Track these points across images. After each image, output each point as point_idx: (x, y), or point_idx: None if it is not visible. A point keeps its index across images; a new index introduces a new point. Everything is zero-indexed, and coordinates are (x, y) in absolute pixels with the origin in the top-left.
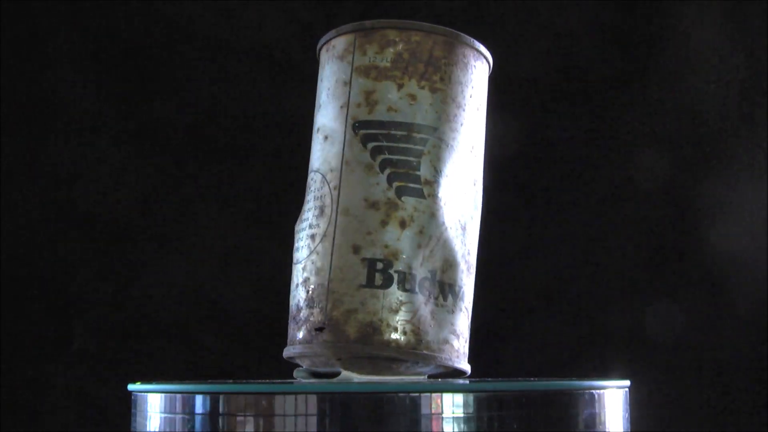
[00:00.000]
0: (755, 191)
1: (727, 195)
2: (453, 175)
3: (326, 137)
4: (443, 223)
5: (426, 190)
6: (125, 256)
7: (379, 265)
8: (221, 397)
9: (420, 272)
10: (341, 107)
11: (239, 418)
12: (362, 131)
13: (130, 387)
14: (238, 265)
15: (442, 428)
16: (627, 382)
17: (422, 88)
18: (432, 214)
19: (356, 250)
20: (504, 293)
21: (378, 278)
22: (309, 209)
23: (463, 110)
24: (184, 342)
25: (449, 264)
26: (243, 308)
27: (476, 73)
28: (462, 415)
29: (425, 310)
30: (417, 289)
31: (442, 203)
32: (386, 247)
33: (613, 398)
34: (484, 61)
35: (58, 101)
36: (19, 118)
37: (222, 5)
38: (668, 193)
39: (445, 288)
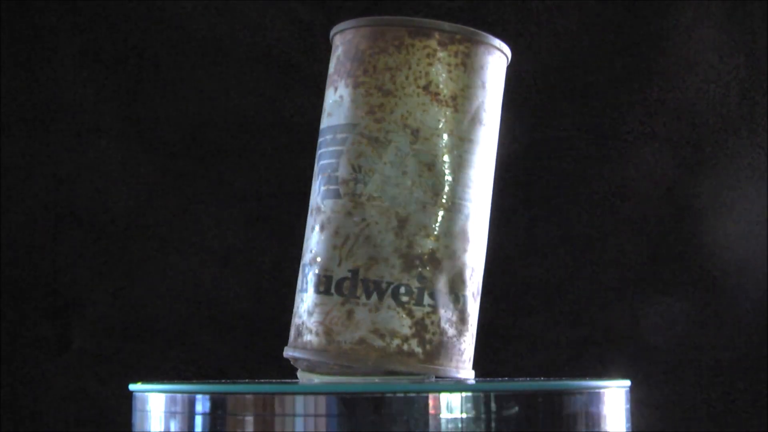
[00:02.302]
0: (755, 191)
1: (727, 195)
2: (383, 167)
3: None
4: (364, 219)
5: (342, 189)
6: (125, 256)
7: (306, 270)
8: (221, 397)
9: (338, 273)
10: None
11: (239, 418)
12: (318, 141)
13: (131, 387)
14: (238, 265)
15: (442, 428)
16: (627, 382)
17: (347, 86)
18: (348, 213)
19: (301, 257)
20: (504, 293)
21: (303, 283)
22: None
23: (395, 96)
24: (184, 342)
25: (375, 261)
26: (243, 308)
27: (423, 53)
28: (462, 415)
29: (341, 310)
30: (333, 290)
31: (363, 199)
32: (310, 251)
33: (613, 398)
34: (443, 35)
35: (58, 101)
36: (19, 118)
37: (222, 5)
38: (668, 193)
39: (369, 286)
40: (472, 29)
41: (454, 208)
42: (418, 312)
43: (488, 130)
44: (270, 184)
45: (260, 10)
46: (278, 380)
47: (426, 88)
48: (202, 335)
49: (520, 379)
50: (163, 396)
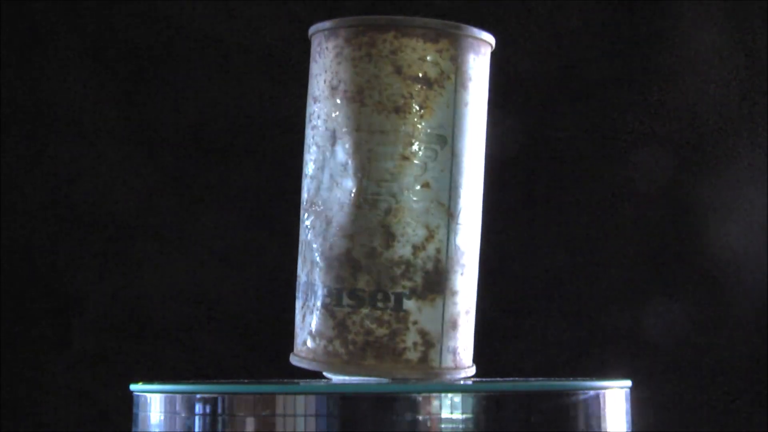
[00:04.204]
0: (755, 191)
1: (727, 195)
2: (317, 173)
3: None
4: (307, 226)
5: (301, 199)
6: (125, 256)
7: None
8: (221, 397)
9: (301, 278)
10: None
11: (239, 418)
12: None
13: (132, 387)
14: (238, 265)
15: (442, 428)
16: (628, 382)
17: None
18: (301, 221)
19: None
20: (504, 293)
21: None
22: None
23: (319, 102)
24: (184, 342)
25: (312, 264)
26: (243, 308)
27: (333, 53)
28: (461, 415)
29: (300, 314)
30: (299, 295)
31: (307, 206)
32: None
33: (614, 398)
34: (348, 31)
35: (58, 101)
36: (19, 118)
37: (222, 5)
38: (668, 194)
39: (312, 289)
40: (378, 17)
41: (368, 204)
42: (339, 313)
43: (414, 116)
44: (270, 184)
45: (260, 10)
46: (278, 380)
47: (336, 87)
48: (202, 335)
49: (520, 379)
50: (163, 396)
